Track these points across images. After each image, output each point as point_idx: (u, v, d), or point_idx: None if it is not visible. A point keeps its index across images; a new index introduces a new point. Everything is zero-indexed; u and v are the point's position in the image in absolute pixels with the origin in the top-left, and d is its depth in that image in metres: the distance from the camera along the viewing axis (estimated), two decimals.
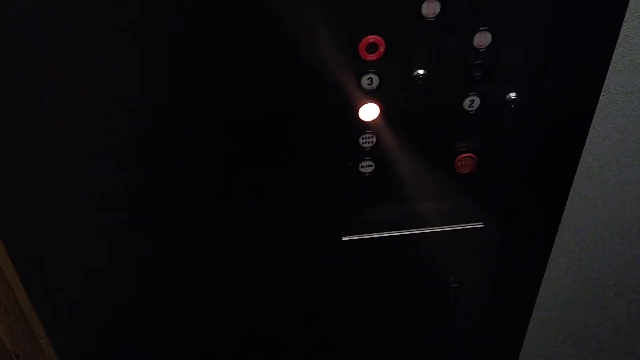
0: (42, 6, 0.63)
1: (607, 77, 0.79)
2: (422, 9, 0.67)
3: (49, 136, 0.74)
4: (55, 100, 0.71)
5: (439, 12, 0.67)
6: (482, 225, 0.90)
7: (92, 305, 0.96)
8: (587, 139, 0.84)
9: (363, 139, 0.78)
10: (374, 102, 0.75)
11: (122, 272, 0.92)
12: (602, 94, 0.80)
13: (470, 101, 0.76)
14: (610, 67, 0.78)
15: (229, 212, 0.85)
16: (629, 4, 0.71)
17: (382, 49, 0.70)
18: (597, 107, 0.81)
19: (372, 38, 0.69)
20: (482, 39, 0.70)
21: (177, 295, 0.96)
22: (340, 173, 0.82)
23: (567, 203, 0.92)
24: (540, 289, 1.05)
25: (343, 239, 0.89)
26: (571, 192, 0.90)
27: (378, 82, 0.72)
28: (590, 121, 0.81)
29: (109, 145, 0.76)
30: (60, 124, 0.73)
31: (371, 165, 0.81)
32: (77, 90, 0.71)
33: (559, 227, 0.95)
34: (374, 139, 0.78)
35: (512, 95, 0.75)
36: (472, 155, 0.81)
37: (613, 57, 0.76)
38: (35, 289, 0.91)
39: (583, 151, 0.85)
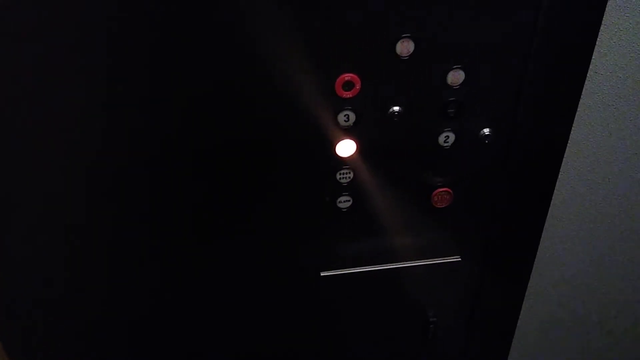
0: None
1: (577, 112, 0.81)
2: (396, 48, 0.68)
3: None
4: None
5: (413, 51, 0.69)
6: (460, 259, 0.90)
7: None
8: (559, 173, 0.86)
9: (340, 174, 0.78)
10: (350, 139, 0.75)
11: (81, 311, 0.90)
12: (573, 128, 0.82)
13: (445, 137, 0.77)
14: (580, 102, 0.80)
15: (203, 249, 0.84)
16: (597, 42, 0.74)
17: (357, 86, 0.70)
18: (569, 141, 0.83)
19: (348, 76, 0.70)
20: (456, 77, 0.72)
21: (151, 329, 0.94)
22: (318, 208, 0.82)
23: (542, 235, 0.94)
24: (518, 321, 1.05)
25: (322, 274, 0.89)
26: (546, 224, 0.92)
27: (354, 118, 0.73)
28: (563, 155, 0.83)
29: (75, 175, 0.75)
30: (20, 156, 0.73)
31: (349, 201, 0.81)
32: (36, 120, 0.69)
33: (535, 259, 0.95)
34: (351, 175, 0.79)
35: (486, 131, 0.77)
36: (448, 189, 0.82)
37: (582, 93, 0.79)
38: None
39: (556, 184, 0.87)
